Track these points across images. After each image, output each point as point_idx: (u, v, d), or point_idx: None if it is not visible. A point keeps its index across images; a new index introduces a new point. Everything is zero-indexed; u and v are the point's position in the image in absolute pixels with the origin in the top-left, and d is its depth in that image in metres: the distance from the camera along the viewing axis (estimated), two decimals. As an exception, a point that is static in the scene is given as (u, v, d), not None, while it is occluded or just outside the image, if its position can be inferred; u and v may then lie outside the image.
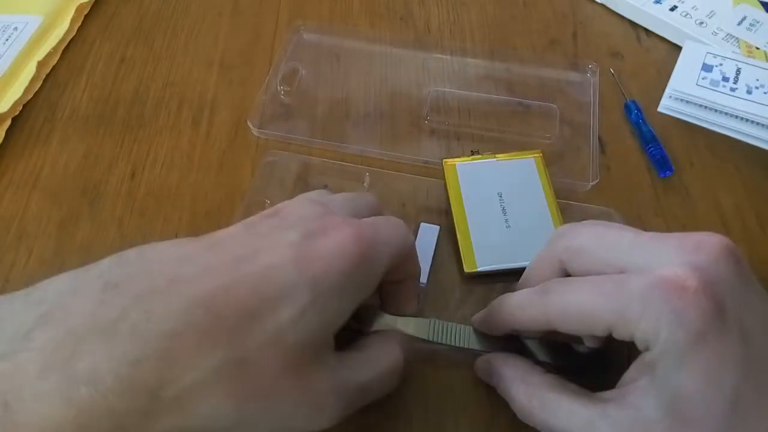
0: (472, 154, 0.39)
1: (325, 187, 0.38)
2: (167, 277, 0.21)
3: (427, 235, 0.36)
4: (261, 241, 0.23)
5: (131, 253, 0.22)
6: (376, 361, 0.26)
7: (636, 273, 0.23)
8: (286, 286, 0.21)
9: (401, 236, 0.26)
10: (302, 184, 0.39)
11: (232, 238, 0.23)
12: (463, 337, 0.30)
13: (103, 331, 0.19)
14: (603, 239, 0.26)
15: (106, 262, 0.22)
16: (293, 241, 0.22)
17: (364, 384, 0.25)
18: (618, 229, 0.26)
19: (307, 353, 0.22)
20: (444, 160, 0.38)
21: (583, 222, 0.28)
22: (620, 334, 0.23)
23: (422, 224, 0.36)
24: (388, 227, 0.26)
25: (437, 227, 0.36)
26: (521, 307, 0.27)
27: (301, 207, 0.25)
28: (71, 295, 0.20)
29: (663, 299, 0.22)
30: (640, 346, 0.23)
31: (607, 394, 0.24)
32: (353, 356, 0.25)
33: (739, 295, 0.22)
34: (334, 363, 0.24)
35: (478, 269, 0.34)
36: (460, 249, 0.34)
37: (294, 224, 0.24)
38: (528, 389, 0.26)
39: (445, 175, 0.37)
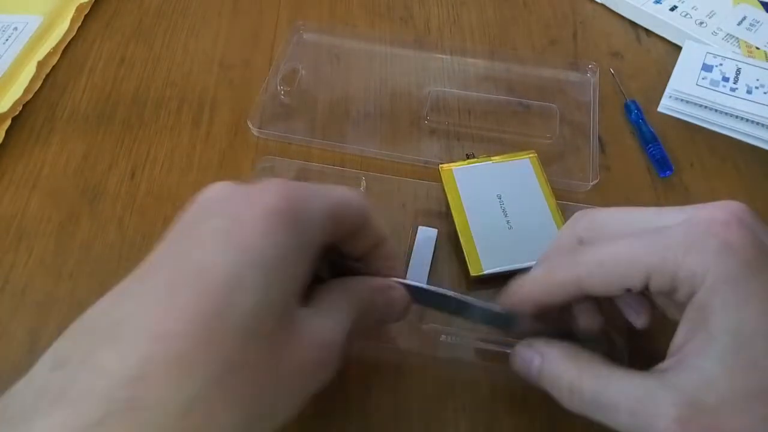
0: (468, 158, 0.39)
1: None
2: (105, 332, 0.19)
3: (426, 239, 0.36)
4: (189, 240, 0.21)
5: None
6: (350, 293, 0.25)
7: (672, 224, 0.23)
8: (229, 276, 0.20)
9: (341, 194, 0.25)
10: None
11: (163, 253, 0.22)
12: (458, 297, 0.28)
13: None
14: (625, 213, 0.25)
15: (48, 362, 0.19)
16: (218, 227, 0.21)
17: (349, 314, 0.24)
18: (637, 207, 0.26)
19: (278, 329, 0.21)
20: (440, 165, 0.38)
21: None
22: (660, 280, 0.22)
23: (420, 227, 0.36)
24: (321, 187, 0.24)
25: (435, 230, 0.36)
26: (550, 272, 0.26)
27: (219, 188, 0.23)
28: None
29: (708, 233, 0.21)
30: (683, 290, 0.22)
31: (660, 365, 0.23)
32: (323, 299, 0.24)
33: None
34: (311, 320, 0.22)
35: (485, 272, 0.34)
36: (465, 253, 0.34)
37: (216, 209, 0.22)
38: (578, 365, 0.25)
39: (443, 180, 0.37)
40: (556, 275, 0.25)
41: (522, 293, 0.27)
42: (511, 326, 0.28)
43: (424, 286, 0.28)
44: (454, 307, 0.28)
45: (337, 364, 0.23)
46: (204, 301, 0.19)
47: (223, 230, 0.21)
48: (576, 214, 0.28)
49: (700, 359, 0.21)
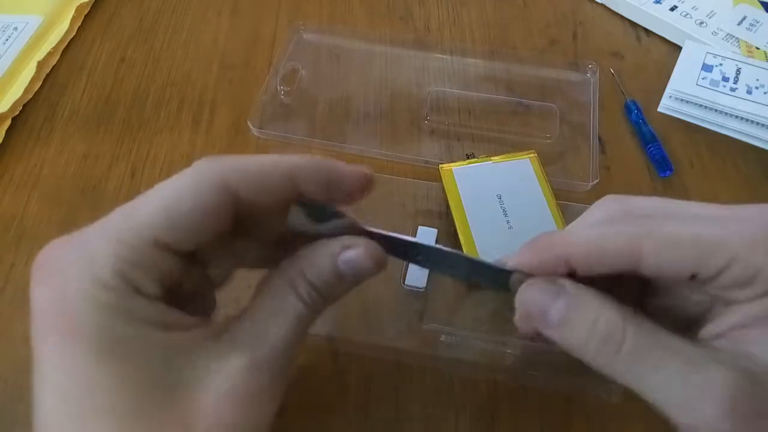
0: (468, 158, 0.39)
1: None
2: None
3: (426, 239, 0.36)
4: None
5: None
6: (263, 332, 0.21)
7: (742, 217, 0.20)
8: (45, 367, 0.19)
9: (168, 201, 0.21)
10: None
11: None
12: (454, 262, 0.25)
13: None
14: (671, 203, 0.22)
15: None
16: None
17: (291, 315, 0.21)
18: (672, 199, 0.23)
19: (145, 410, 0.18)
20: (440, 165, 0.38)
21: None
22: (739, 272, 0.19)
23: (420, 227, 0.36)
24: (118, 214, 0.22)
25: (435, 230, 0.36)
26: (602, 237, 0.21)
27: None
28: None
29: None
30: (760, 285, 0.19)
31: (705, 343, 0.21)
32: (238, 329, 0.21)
33: None
34: (217, 364, 0.19)
35: None
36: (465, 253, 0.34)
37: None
38: (622, 312, 0.21)
39: (443, 180, 0.37)
40: (610, 241, 0.21)
41: (556, 251, 0.22)
42: (499, 287, 0.24)
43: (394, 234, 0.24)
44: (433, 258, 0.24)
45: (285, 373, 0.20)
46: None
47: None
48: (606, 198, 0.24)
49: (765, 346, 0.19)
